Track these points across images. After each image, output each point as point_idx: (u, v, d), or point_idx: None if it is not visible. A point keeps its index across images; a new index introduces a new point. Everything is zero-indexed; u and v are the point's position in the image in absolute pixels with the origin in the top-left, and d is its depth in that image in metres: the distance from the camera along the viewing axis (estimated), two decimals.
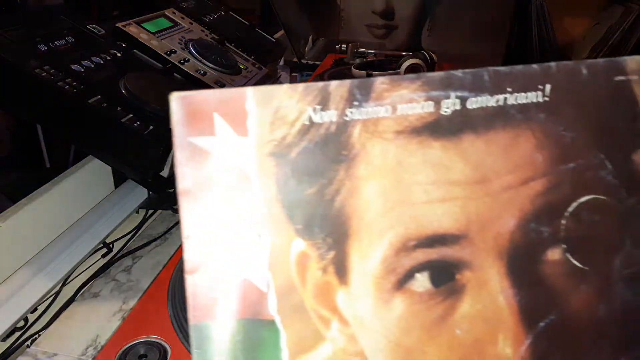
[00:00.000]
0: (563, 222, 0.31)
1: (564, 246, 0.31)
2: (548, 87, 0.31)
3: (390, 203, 0.29)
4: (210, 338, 0.27)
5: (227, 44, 1.18)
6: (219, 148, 0.28)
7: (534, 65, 0.31)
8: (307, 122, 0.29)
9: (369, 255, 0.29)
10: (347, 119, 0.29)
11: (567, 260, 0.31)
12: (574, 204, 0.31)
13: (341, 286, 0.29)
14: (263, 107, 0.28)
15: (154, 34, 1.02)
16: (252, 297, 0.28)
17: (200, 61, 1.03)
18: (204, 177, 0.28)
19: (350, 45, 1.49)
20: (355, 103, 0.29)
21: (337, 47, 1.56)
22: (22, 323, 0.67)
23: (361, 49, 1.48)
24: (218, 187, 0.28)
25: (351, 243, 0.29)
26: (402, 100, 0.30)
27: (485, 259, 0.30)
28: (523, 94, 0.31)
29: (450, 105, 0.30)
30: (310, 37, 1.79)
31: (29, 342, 0.64)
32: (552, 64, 0.31)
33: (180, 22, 1.14)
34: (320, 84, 0.29)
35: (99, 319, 0.67)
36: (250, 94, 0.28)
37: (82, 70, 0.75)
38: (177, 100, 0.28)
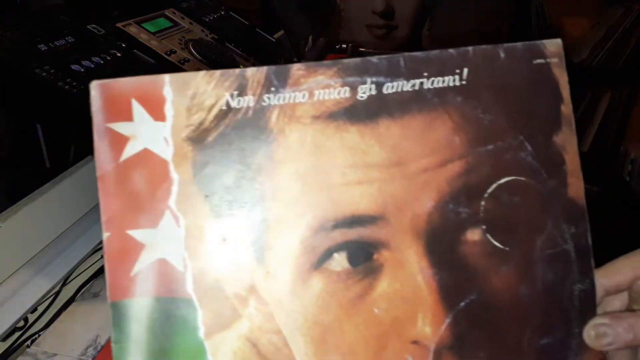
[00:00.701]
0: (482, 203, 0.32)
1: (484, 227, 0.32)
2: (465, 70, 0.32)
3: (308, 186, 0.30)
4: (128, 316, 0.28)
5: (227, 44, 1.19)
6: (136, 133, 0.29)
7: (451, 50, 0.32)
8: (224, 108, 0.30)
9: (287, 236, 0.30)
10: (264, 104, 0.30)
11: (487, 241, 0.32)
12: (493, 186, 0.32)
13: (259, 266, 0.30)
14: (180, 93, 0.29)
15: (154, 34, 1.03)
16: (169, 277, 0.29)
17: (200, 61, 1.04)
18: (121, 162, 0.29)
19: (350, 45, 1.50)
20: (272, 89, 0.30)
21: (337, 47, 1.56)
22: (22, 323, 0.67)
23: (361, 49, 1.49)
24: (135, 172, 0.29)
25: (269, 225, 0.30)
26: (318, 86, 0.31)
27: (403, 240, 0.31)
28: (440, 78, 0.32)
29: (366, 90, 0.31)
30: (310, 37, 1.80)
31: (29, 342, 0.65)
32: (469, 48, 0.32)
33: (180, 22, 1.15)
34: (237, 70, 0.30)
35: (99, 319, 0.67)
36: (168, 80, 0.29)
37: (82, 70, 0.76)
38: (96, 88, 0.29)
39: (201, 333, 0.29)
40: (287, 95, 0.30)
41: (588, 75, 1.30)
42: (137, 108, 0.29)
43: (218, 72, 0.30)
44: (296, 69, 0.30)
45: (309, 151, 0.30)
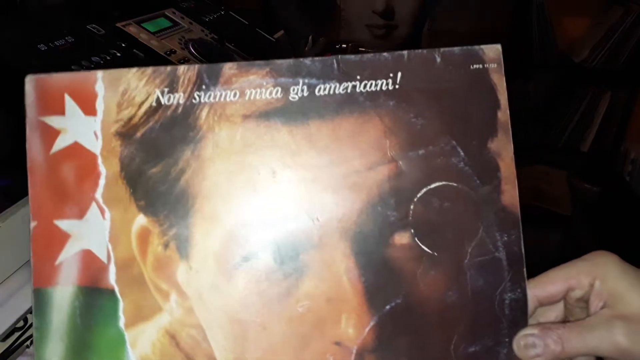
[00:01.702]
0: (412, 207, 0.32)
1: (412, 231, 0.32)
2: (399, 74, 0.32)
3: (237, 183, 0.31)
4: (50, 303, 0.29)
5: (227, 44, 1.20)
6: (67, 127, 0.30)
7: (385, 54, 0.32)
8: (154, 104, 0.30)
9: (213, 232, 0.30)
10: (194, 102, 0.31)
11: (416, 245, 0.32)
12: (423, 190, 0.32)
13: (182, 261, 0.30)
14: (112, 89, 0.30)
15: (153, 34, 1.05)
16: (92, 267, 0.30)
17: (200, 61, 1.06)
18: (52, 154, 0.30)
19: (350, 45, 1.50)
20: (204, 87, 0.31)
21: (337, 47, 1.57)
22: (22, 323, 0.68)
23: (361, 49, 1.49)
24: (65, 164, 0.30)
25: (194, 221, 0.30)
26: (250, 85, 0.31)
27: (331, 240, 0.31)
28: (372, 81, 0.32)
29: (298, 91, 0.31)
30: (310, 37, 1.80)
31: (28, 342, 0.66)
32: (404, 52, 0.32)
33: (180, 22, 1.17)
34: (169, 67, 0.31)
35: None
36: (100, 76, 0.30)
37: (82, 70, 0.78)
38: (31, 82, 0.30)
39: (121, 323, 0.29)
40: (217, 94, 0.31)
41: (588, 75, 1.28)
42: (69, 102, 0.30)
43: (150, 69, 0.31)
44: (228, 67, 0.31)
45: (238, 149, 0.31)
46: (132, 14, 1.08)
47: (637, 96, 1.22)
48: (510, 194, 0.32)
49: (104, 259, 0.30)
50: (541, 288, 0.32)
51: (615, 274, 0.31)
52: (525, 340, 0.31)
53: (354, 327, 0.31)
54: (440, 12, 1.64)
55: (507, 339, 0.32)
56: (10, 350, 0.65)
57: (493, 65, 0.33)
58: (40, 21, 0.86)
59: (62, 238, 0.29)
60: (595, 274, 0.31)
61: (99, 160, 0.30)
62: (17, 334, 0.67)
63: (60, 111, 0.30)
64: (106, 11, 1.17)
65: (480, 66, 0.32)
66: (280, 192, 0.31)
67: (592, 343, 0.29)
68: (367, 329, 0.31)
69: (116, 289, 0.30)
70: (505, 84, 0.33)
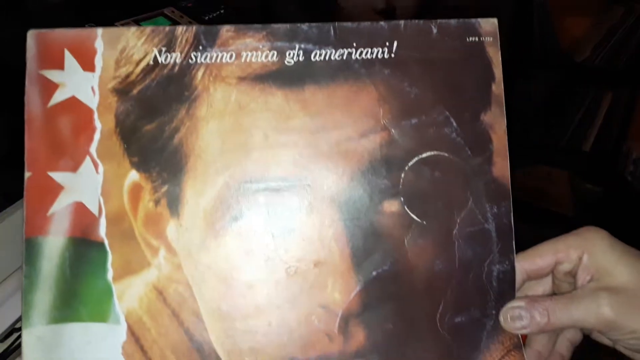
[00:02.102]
0: (402, 175, 0.32)
1: (402, 199, 0.32)
2: (395, 44, 0.32)
3: (229, 144, 0.31)
4: (41, 252, 0.29)
5: None
6: (66, 81, 0.30)
7: (382, 23, 0.32)
8: (151, 63, 0.31)
9: (204, 192, 0.31)
10: (191, 62, 0.31)
11: (405, 214, 0.32)
12: (415, 159, 0.32)
13: (172, 218, 0.31)
14: (111, 46, 0.31)
15: None
16: (83, 219, 0.30)
17: None
18: (49, 107, 0.30)
19: None
20: (200, 47, 0.31)
21: None
22: (21, 323, 0.68)
23: None
24: (61, 117, 0.30)
25: (186, 179, 0.31)
26: (247, 48, 0.31)
27: (321, 205, 0.31)
28: (368, 49, 0.32)
29: (294, 56, 0.32)
30: None
31: None
32: (401, 22, 0.32)
33: (179, 21, 1.18)
34: (167, 27, 0.31)
35: None
36: (100, 33, 0.31)
37: None
38: (33, 36, 0.31)
39: (109, 276, 0.30)
40: (214, 55, 0.31)
41: (590, 75, 1.26)
42: (68, 58, 0.30)
43: (149, 29, 0.31)
44: (225, 30, 0.31)
45: (232, 111, 0.31)
46: (131, 13, 1.08)
47: (638, 96, 1.21)
48: (502, 166, 0.32)
49: (95, 212, 0.30)
50: (530, 261, 0.32)
51: (603, 248, 0.31)
52: (511, 312, 0.31)
53: (340, 291, 0.31)
54: (441, 12, 1.64)
55: (493, 311, 0.32)
56: (9, 351, 0.65)
57: (489, 39, 0.33)
58: (40, 21, 0.87)
59: (56, 190, 0.30)
60: (584, 248, 0.31)
61: (95, 115, 0.30)
62: (16, 334, 0.66)
63: (60, 66, 0.30)
64: (105, 10, 1.18)
65: (476, 39, 0.33)
66: (272, 155, 0.31)
67: (578, 314, 0.29)
68: (353, 294, 0.31)
69: (106, 242, 0.30)
70: (500, 57, 0.33)
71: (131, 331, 0.30)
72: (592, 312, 0.29)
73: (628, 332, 0.28)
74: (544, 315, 0.30)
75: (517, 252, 0.32)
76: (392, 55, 0.32)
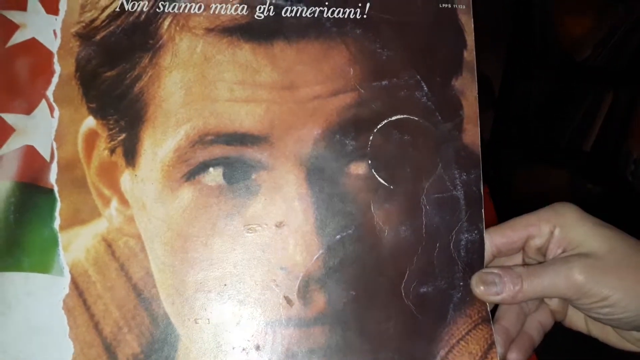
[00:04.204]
0: (371, 138, 0.31)
1: (370, 162, 0.31)
2: (367, 4, 0.32)
3: (192, 96, 0.30)
4: None
5: None
6: (27, 22, 0.29)
7: None
8: (118, 10, 0.30)
9: (162, 143, 0.29)
10: (158, 10, 0.30)
11: (372, 177, 0.31)
12: (384, 122, 0.31)
13: (128, 168, 0.29)
14: None
15: None
16: (33, 164, 0.28)
17: None
18: (7, 47, 0.29)
19: None
20: None
21: None
22: None
23: None
24: (19, 58, 0.29)
25: (145, 129, 0.30)
26: (216, 0, 0.31)
27: (285, 163, 0.30)
28: (340, 9, 0.31)
29: (264, 10, 0.31)
30: None
31: None
32: None
33: None
34: None
35: None
36: None
37: None
38: None
39: (56, 224, 0.28)
40: (182, 5, 0.30)
41: (590, 74, 1.26)
42: (32, 0, 0.30)
43: None
44: None
45: (198, 62, 0.30)
46: None
47: (639, 95, 1.20)
48: (472, 134, 0.32)
49: (46, 157, 0.29)
50: (501, 234, 0.31)
51: (574, 221, 0.30)
52: (485, 277, 0.30)
53: (301, 254, 0.30)
54: None
55: (461, 283, 0.31)
56: None
57: (462, 7, 0.33)
58: None
59: (7, 131, 0.28)
60: (556, 222, 0.30)
61: (55, 59, 0.29)
62: None
63: (22, 7, 0.29)
64: None
65: (449, 5, 0.32)
66: (237, 109, 0.30)
67: (549, 280, 0.28)
68: (315, 257, 0.30)
69: (55, 189, 0.28)
70: (472, 25, 0.33)
71: (75, 284, 0.28)
72: (563, 277, 0.28)
73: (599, 298, 0.27)
74: (517, 282, 0.29)
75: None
76: (365, 15, 0.32)
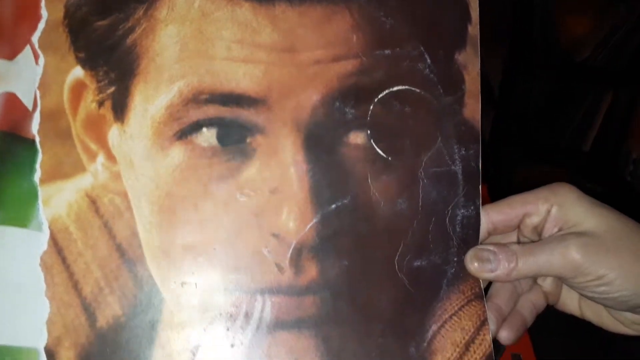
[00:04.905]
0: (371, 107, 0.30)
1: (369, 132, 0.30)
2: None
3: (188, 52, 0.29)
4: None
5: None
6: None
7: None
8: None
9: (154, 99, 0.28)
10: None
11: (370, 147, 0.30)
12: (385, 92, 0.30)
13: (116, 123, 0.28)
14: None
15: None
16: (14, 112, 0.27)
17: None
18: None
19: None
20: None
21: None
22: None
23: None
24: (4, 0, 0.27)
25: (136, 82, 0.28)
26: None
27: (281, 128, 0.29)
28: None
29: None
30: None
31: None
32: None
33: None
34: None
35: None
36: None
37: None
38: None
39: (36, 177, 0.26)
40: None
41: (590, 74, 1.27)
42: None
43: None
44: None
45: (195, 17, 0.29)
46: None
47: (639, 96, 1.22)
48: (473, 109, 0.31)
49: (29, 105, 0.27)
50: (497, 210, 0.31)
51: (572, 200, 0.29)
52: (479, 254, 0.29)
53: (295, 221, 0.29)
54: None
55: (455, 258, 0.30)
56: None
57: None
58: None
59: None
60: (554, 201, 0.30)
61: (42, 3, 0.28)
62: None
63: None
64: None
65: None
66: (234, 68, 0.29)
67: (545, 258, 0.28)
68: (309, 226, 0.29)
69: (37, 140, 0.27)
70: (477, 0, 0.32)
71: (54, 240, 0.26)
72: (559, 255, 0.27)
73: (595, 277, 0.27)
74: (512, 259, 0.28)
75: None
76: None
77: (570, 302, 0.32)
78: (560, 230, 0.29)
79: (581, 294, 0.29)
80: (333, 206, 0.29)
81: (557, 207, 0.30)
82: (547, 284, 0.32)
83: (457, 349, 0.28)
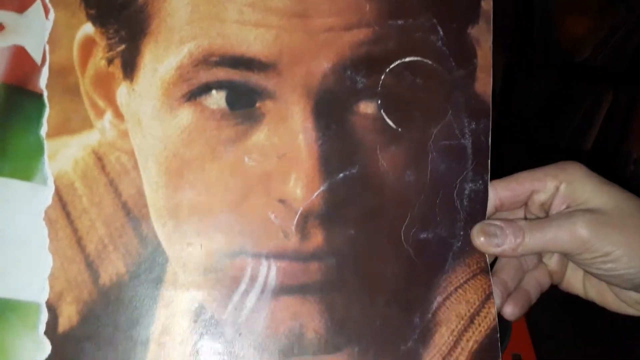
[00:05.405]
0: (382, 77, 0.30)
1: (379, 102, 0.30)
2: None
3: (199, 14, 0.28)
4: None
5: None
6: None
7: None
8: None
9: (164, 59, 0.28)
10: None
11: (380, 117, 0.30)
12: (397, 62, 0.30)
13: (125, 81, 0.27)
14: None
15: None
16: (23, 66, 0.26)
17: None
18: None
19: None
20: None
21: None
22: None
23: None
24: None
25: (147, 42, 0.28)
26: None
27: (291, 94, 0.29)
28: None
29: None
30: None
31: None
32: None
33: None
34: None
35: None
36: None
37: None
38: None
39: (43, 131, 0.26)
40: None
41: (590, 75, 1.26)
42: None
43: None
44: None
45: None
46: None
47: (639, 95, 1.21)
48: (484, 83, 0.31)
49: (37, 60, 0.27)
50: (505, 186, 0.30)
51: (581, 178, 0.29)
52: (486, 228, 0.29)
53: (302, 188, 0.28)
54: None
55: (462, 232, 0.30)
56: None
57: None
58: None
59: None
60: (563, 178, 0.30)
61: None
62: None
63: None
64: None
65: None
66: (245, 32, 0.29)
67: (552, 233, 0.27)
68: (316, 193, 0.28)
69: (45, 94, 0.26)
70: None
71: (59, 195, 0.26)
72: (567, 231, 0.27)
73: (601, 254, 0.27)
74: (519, 235, 0.28)
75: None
76: None
77: (574, 282, 0.32)
78: (568, 207, 0.29)
79: (587, 271, 0.29)
80: (341, 175, 0.29)
81: (566, 184, 0.29)
82: (552, 262, 0.31)
83: (462, 321, 0.28)
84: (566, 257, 0.30)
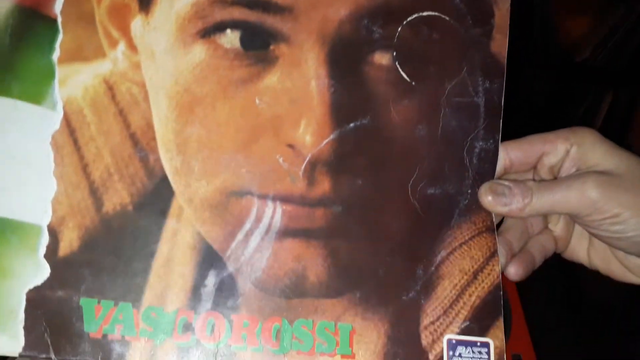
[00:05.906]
0: (399, 29, 0.30)
1: (395, 54, 0.29)
2: None
3: None
4: None
5: None
6: None
7: None
8: None
9: None
10: None
11: (395, 69, 0.29)
12: (415, 15, 0.30)
13: (140, 14, 0.27)
14: None
15: None
16: None
17: None
18: None
19: None
20: None
21: None
22: None
23: None
24: None
25: None
26: None
27: (307, 39, 0.28)
28: None
29: None
30: None
31: None
32: None
33: None
34: None
35: None
36: None
37: None
38: None
39: (55, 56, 0.26)
40: None
41: (590, 74, 1.26)
42: None
43: None
44: None
45: None
46: None
47: (639, 95, 1.21)
48: (500, 44, 0.31)
49: None
50: (516, 147, 0.30)
51: (592, 141, 0.29)
52: (494, 187, 0.29)
53: (312, 134, 0.28)
54: None
55: (469, 190, 0.30)
56: None
57: None
58: None
59: None
60: (573, 140, 0.29)
61: None
62: None
63: None
64: None
65: None
66: None
67: (561, 194, 0.27)
68: (325, 141, 0.28)
69: (59, 20, 0.26)
70: None
71: (67, 121, 0.25)
72: (577, 191, 0.27)
73: (610, 215, 0.27)
74: (527, 194, 0.28)
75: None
76: None
77: (579, 250, 0.31)
78: (577, 170, 0.29)
79: (593, 234, 0.29)
80: (352, 125, 0.29)
81: (577, 146, 0.29)
82: (558, 228, 0.31)
83: (465, 277, 0.28)
84: (574, 219, 0.30)
